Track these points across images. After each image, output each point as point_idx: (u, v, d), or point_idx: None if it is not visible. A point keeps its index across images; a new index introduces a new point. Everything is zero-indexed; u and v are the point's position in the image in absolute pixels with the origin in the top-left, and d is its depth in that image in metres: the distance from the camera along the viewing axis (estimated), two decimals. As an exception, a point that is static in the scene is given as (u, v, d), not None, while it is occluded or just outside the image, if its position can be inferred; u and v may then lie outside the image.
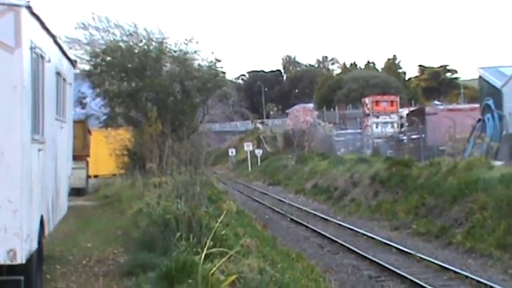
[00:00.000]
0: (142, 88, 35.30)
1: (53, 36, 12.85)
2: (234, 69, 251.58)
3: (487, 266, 21.17)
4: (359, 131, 78.98)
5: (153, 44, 36.37)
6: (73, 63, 17.81)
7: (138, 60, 35.57)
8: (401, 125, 74.93)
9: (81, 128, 34.59)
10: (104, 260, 15.69)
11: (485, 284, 18.46)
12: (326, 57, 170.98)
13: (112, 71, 35.95)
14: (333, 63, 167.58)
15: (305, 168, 57.30)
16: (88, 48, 36.34)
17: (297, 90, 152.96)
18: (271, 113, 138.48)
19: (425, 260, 22.19)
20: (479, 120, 52.13)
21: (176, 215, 14.07)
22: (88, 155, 37.52)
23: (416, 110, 76.29)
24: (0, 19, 9.40)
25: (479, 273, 20.07)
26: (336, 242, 26.91)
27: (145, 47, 36.18)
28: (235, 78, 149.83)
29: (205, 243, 11.75)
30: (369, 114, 77.40)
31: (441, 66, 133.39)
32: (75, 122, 22.29)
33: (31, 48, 10.21)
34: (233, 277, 10.88)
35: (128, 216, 21.45)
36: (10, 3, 9.49)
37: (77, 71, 23.00)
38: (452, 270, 20.28)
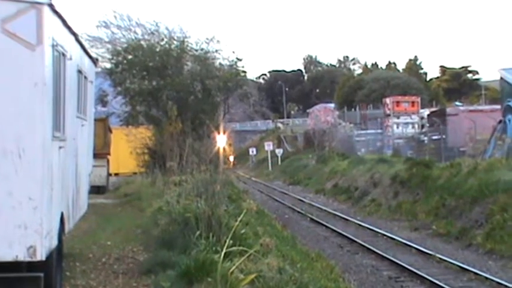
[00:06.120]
0: (163, 87, 35.35)
1: (75, 34, 12.86)
2: (255, 69, 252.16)
3: (507, 268, 21.06)
4: (380, 131, 78.80)
5: (175, 42, 36.42)
6: (94, 61, 17.81)
7: (159, 59, 35.62)
8: (422, 126, 74.77)
9: (102, 126, 34.69)
10: (124, 258, 15.71)
11: (506, 286, 18.39)
12: (347, 57, 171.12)
13: (133, 70, 36.02)
14: (354, 63, 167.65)
15: (325, 168, 57.26)
16: (109, 46, 36.50)
17: (317, 90, 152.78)
18: (292, 112, 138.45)
19: (445, 261, 22.12)
20: (500, 121, 51.91)
21: (196, 213, 14.07)
22: (109, 153, 37.60)
23: (437, 111, 76.11)
24: (22, 16, 9.42)
25: (499, 274, 19.98)
26: (356, 242, 26.88)
27: (167, 45, 36.22)
28: (257, 78, 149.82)
29: (225, 242, 11.74)
30: (389, 115, 77.23)
31: (462, 67, 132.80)
32: (96, 120, 22.29)
33: (52, 46, 10.22)
34: (252, 276, 10.87)
35: (148, 215, 21.50)
36: (32, 0, 9.50)
37: (99, 69, 23.06)
38: (472, 272, 20.21)
